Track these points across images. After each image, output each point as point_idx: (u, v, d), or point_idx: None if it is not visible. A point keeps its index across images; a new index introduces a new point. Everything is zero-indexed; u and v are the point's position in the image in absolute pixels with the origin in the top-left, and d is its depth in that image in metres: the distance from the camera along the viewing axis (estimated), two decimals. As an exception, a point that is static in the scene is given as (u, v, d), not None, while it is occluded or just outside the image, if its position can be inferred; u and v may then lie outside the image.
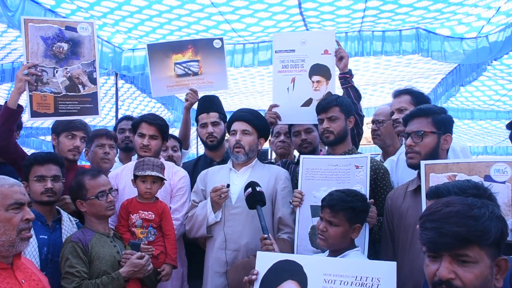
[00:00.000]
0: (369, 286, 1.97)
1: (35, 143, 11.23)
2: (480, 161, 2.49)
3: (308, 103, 3.51)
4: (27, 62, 3.29)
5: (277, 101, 3.60)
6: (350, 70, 3.52)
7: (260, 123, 3.24)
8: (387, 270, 2.00)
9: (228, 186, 2.98)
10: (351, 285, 1.99)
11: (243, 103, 8.88)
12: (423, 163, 2.48)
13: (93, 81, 3.48)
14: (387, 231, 2.79)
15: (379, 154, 3.95)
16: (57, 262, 2.74)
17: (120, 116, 6.81)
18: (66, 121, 3.40)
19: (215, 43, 3.87)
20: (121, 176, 3.36)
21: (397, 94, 3.35)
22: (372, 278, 1.97)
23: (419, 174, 2.67)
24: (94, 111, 3.48)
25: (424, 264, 1.57)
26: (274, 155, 4.28)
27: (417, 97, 3.26)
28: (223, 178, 3.16)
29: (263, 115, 3.50)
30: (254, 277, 2.21)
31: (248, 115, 3.23)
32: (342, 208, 2.44)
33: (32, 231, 2.23)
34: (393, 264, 2.01)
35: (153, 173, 3.02)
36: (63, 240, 2.83)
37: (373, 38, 5.64)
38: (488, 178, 2.32)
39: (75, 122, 3.42)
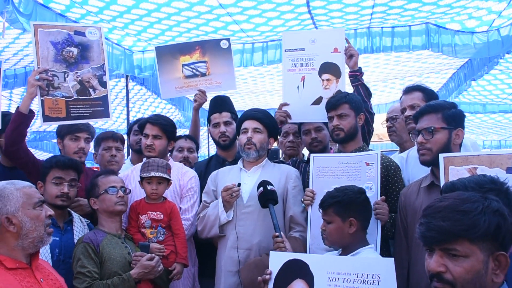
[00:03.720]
0: (370, 282, 1.99)
1: (48, 146, 11.36)
2: (501, 153, 2.45)
3: (318, 101, 3.50)
4: (38, 68, 3.33)
5: (287, 99, 3.60)
6: (360, 68, 3.51)
7: (270, 122, 3.25)
8: (386, 266, 2.02)
9: (239, 185, 2.99)
10: (353, 282, 2.02)
11: (253, 102, 8.89)
12: (441, 155, 2.45)
13: (103, 84, 3.52)
14: (401, 228, 2.78)
15: (391, 150, 3.93)
16: (68, 263, 2.78)
17: (131, 118, 6.87)
18: (69, 123, 3.44)
19: (222, 43, 3.88)
20: (131, 177, 3.39)
21: (408, 90, 3.33)
22: (373, 275, 2.00)
23: (432, 171, 2.66)
24: (105, 114, 3.53)
25: (425, 259, 1.59)
26: (282, 154, 4.27)
27: (428, 94, 3.24)
28: (234, 178, 3.16)
29: (273, 114, 3.51)
30: (267, 276, 2.23)
31: (259, 114, 3.24)
32: (329, 204, 2.48)
33: None
34: (391, 260, 2.03)
35: (158, 174, 3.04)
36: (75, 241, 2.87)
37: (382, 34, 5.61)
38: (510, 170, 2.29)
39: (77, 124, 3.46)
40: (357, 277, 2.01)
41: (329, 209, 2.49)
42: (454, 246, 1.47)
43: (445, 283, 1.49)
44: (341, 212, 2.47)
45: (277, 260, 2.24)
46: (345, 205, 2.48)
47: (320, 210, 2.55)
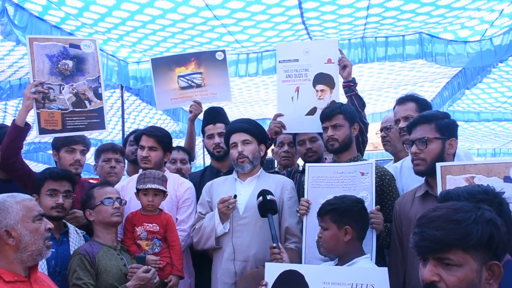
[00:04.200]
0: None
1: (44, 157, 11.31)
2: (499, 162, 2.47)
3: (312, 112, 3.52)
4: (34, 80, 3.34)
5: (282, 110, 3.61)
6: (353, 79, 3.53)
7: (257, 130, 3.24)
8: (379, 276, 2.05)
9: (235, 196, 2.99)
10: None
11: (248, 112, 8.90)
12: (438, 164, 2.47)
13: (99, 96, 3.54)
14: (396, 237, 2.79)
15: (386, 159, 3.95)
16: (65, 274, 2.78)
17: (126, 129, 6.85)
18: (64, 136, 3.45)
19: (218, 55, 3.91)
20: (127, 188, 3.39)
21: (402, 101, 3.34)
22: (367, 284, 2.02)
23: (426, 180, 2.68)
24: (101, 125, 3.54)
25: (419, 268, 1.60)
26: (277, 164, 4.29)
27: (422, 104, 3.25)
28: (229, 189, 3.17)
29: (268, 124, 3.52)
30: None
31: (244, 125, 3.23)
32: (326, 211, 2.52)
33: None
34: (385, 270, 2.06)
35: (154, 186, 3.05)
36: (71, 252, 2.87)
37: (376, 44, 5.64)
38: (508, 179, 2.30)
39: (73, 136, 3.47)
40: (351, 287, 2.03)
41: (325, 216, 2.52)
42: (448, 255, 1.49)
43: None
44: (337, 220, 2.49)
45: (272, 271, 2.26)
46: (342, 212, 2.51)
47: (318, 217, 2.57)
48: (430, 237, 1.50)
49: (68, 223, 3.03)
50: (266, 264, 2.34)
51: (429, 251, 1.51)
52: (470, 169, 2.38)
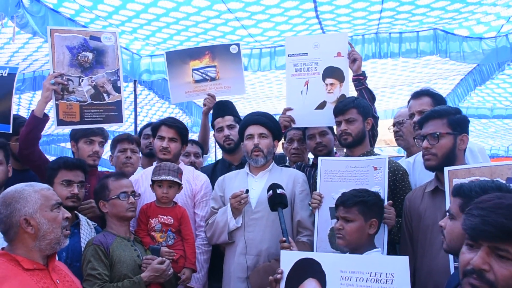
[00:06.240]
0: (383, 281, 1.98)
1: (56, 150, 11.41)
2: (502, 163, 2.47)
3: (322, 106, 3.51)
4: (53, 72, 3.37)
5: (291, 104, 3.61)
6: (363, 72, 3.51)
7: (274, 125, 3.25)
8: (400, 265, 2.00)
9: (247, 191, 2.99)
10: (366, 281, 2.00)
11: (260, 107, 8.89)
12: (446, 169, 2.47)
13: (117, 89, 3.57)
14: (406, 233, 2.79)
15: (396, 156, 3.93)
16: (75, 266, 2.77)
17: (139, 122, 6.90)
18: (83, 128, 3.46)
19: (232, 48, 3.92)
20: (141, 181, 3.40)
21: (417, 95, 3.31)
22: (386, 273, 1.98)
23: (437, 176, 2.67)
24: (119, 119, 3.57)
25: (460, 252, 1.52)
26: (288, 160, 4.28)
27: (437, 99, 3.23)
28: (241, 183, 3.17)
29: (279, 119, 3.52)
30: (279, 276, 2.23)
31: (263, 118, 3.23)
32: (354, 203, 2.49)
33: None
34: (406, 259, 2.01)
35: (169, 178, 3.06)
36: (82, 244, 2.88)
37: (390, 40, 5.61)
38: (510, 180, 2.30)
39: (92, 128, 3.48)
40: (370, 276, 2.00)
41: (353, 208, 2.49)
42: (506, 246, 1.38)
43: (484, 282, 1.40)
44: (365, 212, 2.49)
45: (288, 259, 2.24)
46: (370, 205, 2.52)
47: (341, 208, 2.52)
48: (496, 224, 1.39)
49: (79, 214, 3.03)
50: (282, 252, 2.32)
51: (488, 237, 1.40)
52: (475, 172, 2.39)
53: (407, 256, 2.03)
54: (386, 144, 9.08)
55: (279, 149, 4.49)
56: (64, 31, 3.48)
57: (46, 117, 3.27)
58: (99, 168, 3.78)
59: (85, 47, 3.47)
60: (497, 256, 1.39)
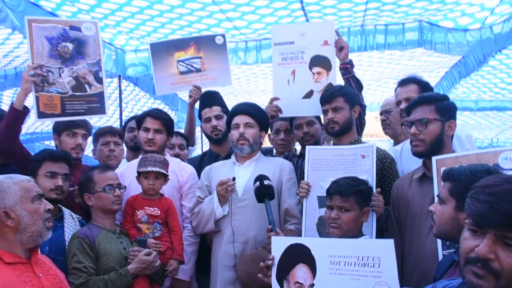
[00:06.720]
0: (371, 265, 1.98)
1: (40, 148, 11.28)
2: (488, 151, 2.49)
3: (309, 95, 3.48)
4: (33, 63, 3.29)
5: (278, 94, 3.58)
6: (350, 60, 3.49)
7: (261, 116, 3.24)
8: (385, 248, 2.00)
9: (234, 179, 2.98)
10: (354, 265, 2.01)
11: (247, 101, 8.87)
12: (434, 158, 2.47)
13: (99, 80, 3.49)
14: (394, 220, 2.79)
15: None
16: (59, 261, 2.71)
17: (124, 118, 6.82)
18: (64, 120, 3.40)
19: (217, 39, 3.88)
20: (126, 173, 3.36)
21: (404, 82, 3.30)
22: (373, 257, 1.99)
23: (424, 162, 2.67)
24: (101, 110, 3.50)
25: (462, 237, 1.44)
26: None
27: (424, 86, 3.22)
28: (227, 172, 3.16)
29: (265, 109, 3.50)
30: (270, 262, 2.21)
31: (249, 108, 3.23)
32: (352, 192, 2.47)
33: None
34: (391, 242, 2.01)
35: (155, 169, 3.02)
36: (66, 238, 2.82)
37: (375, 32, 5.62)
38: (496, 166, 2.30)
39: (75, 120, 3.41)
40: (357, 260, 2.00)
41: (350, 197, 2.47)
42: None
43: (489, 271, 1.33)
44: (360, 201, 2.49)
45: (279, 245, 2.22)
46: (365, 194, 2.53)
47: (337, 197, 2.48)
48: (506, 212, 1.31)
49: (63, 208, 2.97)
50: (273, 238, 2.30)
51: (496, 225, 1.32)
52: (462, 160, 2.39)
53: (392, 239, 2.02)
54: (371, 137, 9.13)
55: (267, 142, 4.46)
56: (43, 21, 3.39)
57: (26, 110, 3.19)
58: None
59: (65, 37, 3.38)
60: (504, 245, 1.32)
